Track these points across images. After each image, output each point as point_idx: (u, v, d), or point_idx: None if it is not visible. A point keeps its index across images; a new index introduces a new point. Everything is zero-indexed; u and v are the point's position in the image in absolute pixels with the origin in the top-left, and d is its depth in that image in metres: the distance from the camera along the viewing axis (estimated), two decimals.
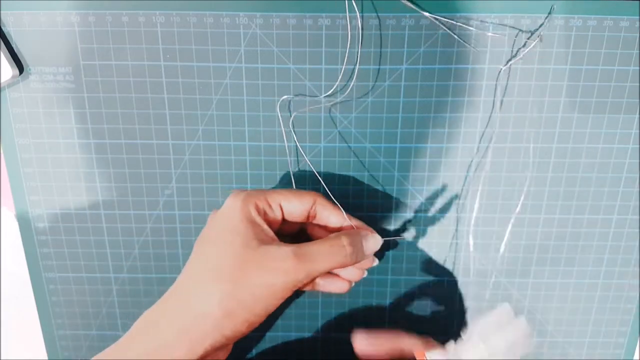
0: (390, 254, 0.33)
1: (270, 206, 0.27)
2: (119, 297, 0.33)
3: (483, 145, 0.31)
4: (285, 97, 0.30)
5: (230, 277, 0.24)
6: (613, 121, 0.30)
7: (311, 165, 0.31)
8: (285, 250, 0.25)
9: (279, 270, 0.24)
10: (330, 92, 0.30)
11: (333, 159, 0.31)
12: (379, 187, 0.31)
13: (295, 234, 0.29)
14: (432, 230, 0.32)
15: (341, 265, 0.26)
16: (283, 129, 0.30)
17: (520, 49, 0.28)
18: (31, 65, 0.29)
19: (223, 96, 0.30)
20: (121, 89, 0.30)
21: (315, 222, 0.29)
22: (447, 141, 0.30)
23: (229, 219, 0.25)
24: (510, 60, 0.28)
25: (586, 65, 0.29)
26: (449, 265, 0.33)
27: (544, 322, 0.34)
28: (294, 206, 0.27)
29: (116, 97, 0.30)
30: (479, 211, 0.31)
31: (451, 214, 0.32)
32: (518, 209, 0.31)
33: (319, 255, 0.25)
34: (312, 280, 0.28)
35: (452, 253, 0.33)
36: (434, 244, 0.33)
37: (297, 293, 0.33)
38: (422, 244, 0.33)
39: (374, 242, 0.28)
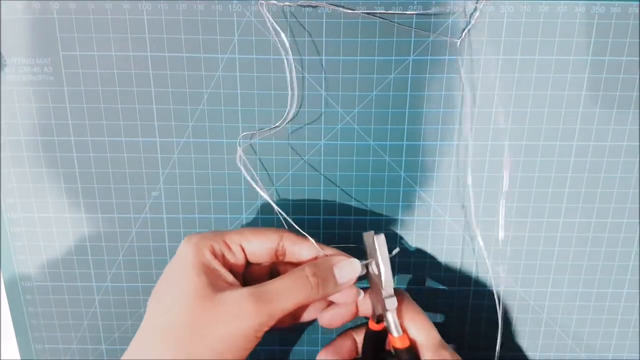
0: (396, 260, 0.31)
1: (229, 248, 0.25)
2: (101, 308, 0.32)
3: (496, 144, 0.29)
4: (282, 91, 0.28)
5: (182, 336, 0.22)
6: (622, 116, 0.28)
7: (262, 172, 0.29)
8: (241, 293, 0.22)
9: (236, 318, 0.22)
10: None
11: (334, 157, 0.30)
12: (384, 189, 0.30)
13: (267, 277, 0.27)
14: (442, 236, 0.31)
15: (307, 300, 0.24)
16: (272, 126, 0.29)
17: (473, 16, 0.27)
18: (6, 57, 0.28)
19: (215, 90, 0.29)
20: (104, 82, 0.29)
21: (287, 260, 0.26)
22: (457, 139, 0.29)
23: (181, 267, 0.23)
24: (464, 30, 0.27)
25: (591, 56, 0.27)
26: (460, 274, 0.31)
27: (553, 325, 0.32)
28: (257, 246, 0.25)
29: (99, 90, 0.29)
30: (495, 214, 0.30)
31: (463, 219, 0.30)
32: (546, 212, 0.30)
33: (280, 292, 0.23)
34: (290, 318, 0.26)
35: (464, 260, 0.31)
36: (445, 250, 0.31)
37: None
38: (432, 251, 0.31)
39: (350, 268, 0.25)
